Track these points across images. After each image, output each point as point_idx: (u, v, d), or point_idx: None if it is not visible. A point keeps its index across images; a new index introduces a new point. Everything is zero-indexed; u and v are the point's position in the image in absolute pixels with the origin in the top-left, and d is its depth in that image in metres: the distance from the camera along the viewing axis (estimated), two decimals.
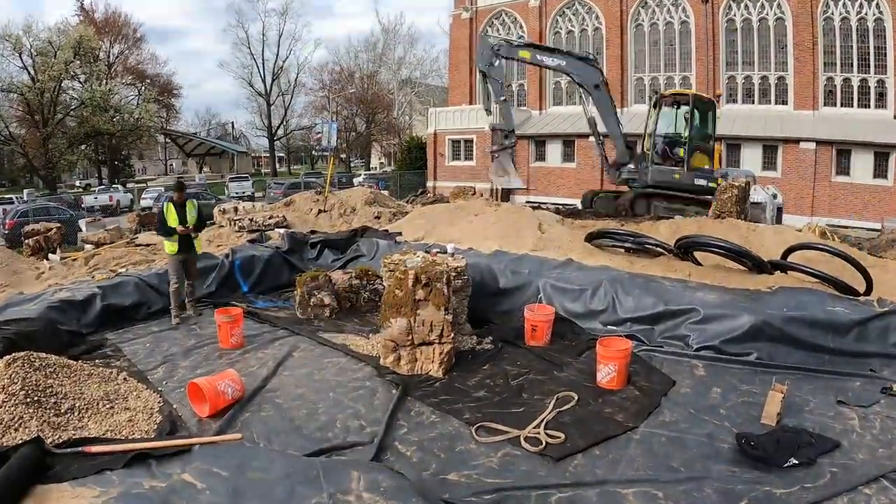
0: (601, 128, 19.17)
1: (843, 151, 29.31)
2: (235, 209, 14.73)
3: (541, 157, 36.41)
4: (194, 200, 8.88)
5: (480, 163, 37.10)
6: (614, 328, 7.55)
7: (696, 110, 18.29)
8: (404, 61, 67.18)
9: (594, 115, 19.11)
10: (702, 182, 18.13)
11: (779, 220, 20.08)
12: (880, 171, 28.77)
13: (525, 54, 17.61)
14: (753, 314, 6.80)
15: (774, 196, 20.44)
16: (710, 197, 17.59)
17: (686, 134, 18.23)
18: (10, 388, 5.03)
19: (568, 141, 35.30)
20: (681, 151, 18.22)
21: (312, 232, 12.70)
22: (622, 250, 9.82)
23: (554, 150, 36.03)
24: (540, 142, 36.42)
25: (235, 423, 5.28)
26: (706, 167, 18.50)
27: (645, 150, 18.89)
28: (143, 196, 39.28)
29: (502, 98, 17.02)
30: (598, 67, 18.75)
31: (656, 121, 18.60)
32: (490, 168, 17.87)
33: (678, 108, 18.78)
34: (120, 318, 8.36)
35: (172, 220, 8.37)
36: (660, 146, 18.47)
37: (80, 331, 7.75)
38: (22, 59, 49.48)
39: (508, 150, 17.34)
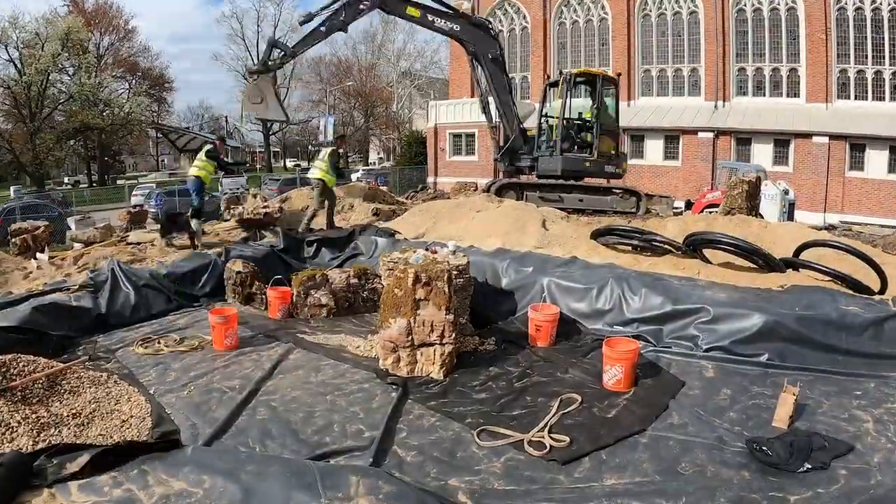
0: (493, 108, 18.17)
1: (856, 146, 29.36)
2: (237, 199, 14.75)
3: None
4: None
5: (483, 158, 37.12)
6: (621, 328, 7.55)
7: (604, 91, 17.79)
8: (404, 53, 67.24)
9: (488, 94, 18.03)
10: (611, 169, 17.78)
11: (791, 217, 20.12)
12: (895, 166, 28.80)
13: (414, 12, 15.91)
14: (764, 314, 6.79)
15: (786, 192, 20.51)
16: (617, 187, 17.34)
17: (593, 117, 17.66)
18: None
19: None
20: (588, 136, 17.61)
21: (309, 230, 12.69)
22: (629, 248, 9.81)
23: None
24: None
25: (230, 427, 5.29)
26: (612, 153, 18.02)
27: (553, 135, 17.82)
28: (133, 193, 39.27)
29: (322, 28, 14.86)
30: (495, 37, 17.74)
31: (565, 103, 17.65)
32: (244, 92, 15.50)
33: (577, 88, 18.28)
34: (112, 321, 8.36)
35: None
36: (565, 130, 17.58)
37: (69, 333, 7.74)
38: (8, 52, 49.50)
39: (271, 74, 15.12)
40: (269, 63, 14.69)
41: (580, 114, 18.46)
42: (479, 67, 17.53)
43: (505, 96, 17.84)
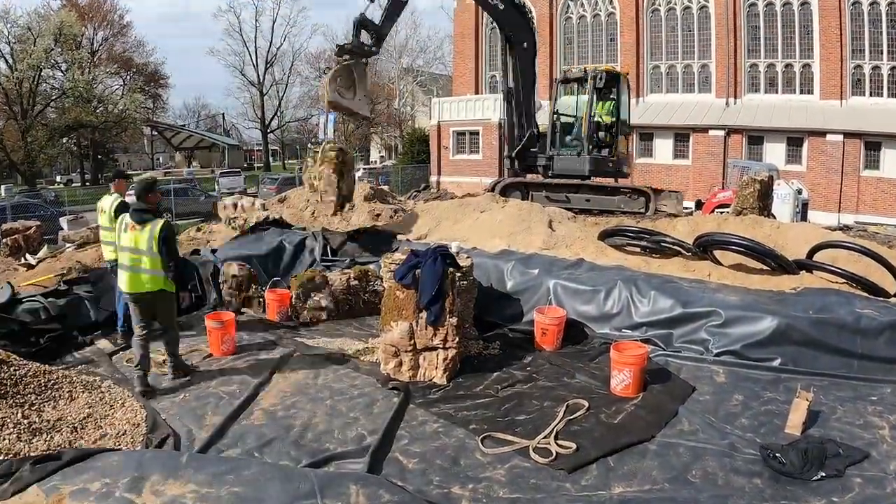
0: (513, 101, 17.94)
1: (872, 144, 29.24)
2: (235, 206, 14.67)
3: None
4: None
5: (487, 156, 37.06)
6: (629, 332, 7.53)
7: (623, 91, 17.77)
8: (406, 48, 67.09)
9: (511, 86, 17.74)
10: (626, 169, 17.90)
11: (804, 217, 20.08)
12: None
13: None
14: (777, 317, 6.78)
15: (799, 191, 20.49)
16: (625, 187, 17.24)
17: (613, 117, 17.63)
18: None
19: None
20: (607, 136, 17.61)
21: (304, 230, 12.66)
22: (637, 249, 9.80)
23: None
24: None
25: (226, 434, 5.29)
26: (625, 152, 18.07)
27: (572, 134, 17.79)
28: (127, 192, 39.23)
29: None
30: (531, 29, 17.83)
31: (591, 102, 17.41)
32: (329, 74, 12.98)
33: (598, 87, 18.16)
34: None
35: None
36: (593, 130, 17.47)
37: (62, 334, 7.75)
38: None
39: (364, 62, 13.65)
40: (366, 47, 13.33)
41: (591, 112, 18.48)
42: (510, 53, 17.49)
43: (527, 90, 17.84)
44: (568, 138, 17.88)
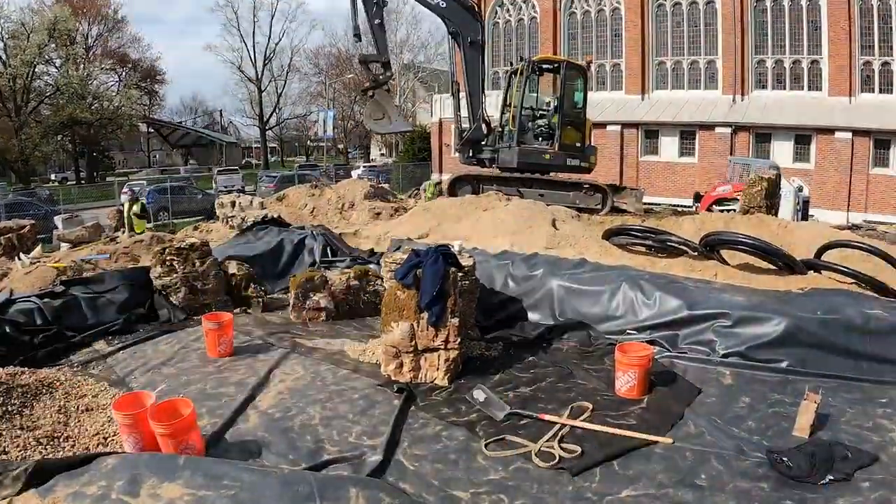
0: (462, 95, 18.15)
1: (881, 141, 29.26)
2: (233, 203, 14.68)
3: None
4: None
5: None
6: (634, 333, 7.52)
7: (569, 80, 17.66)
8: (406, 44, 67.15)
9: (459, 80, 18.12)
10: (575, 163, 17.67)
11: (805, 215, 20.08)
12: None
13: None
14: (785, 318, 6.77)
15: (800, 189, 20.50)
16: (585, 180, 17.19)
17: (554, 107, 17.60)
18: None
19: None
20: (569, 128, 17.58)
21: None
22: (642, 248, 9.81)
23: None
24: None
25: (223, 436, 5.29)
26: (577, 145, 17.86)
27: (510, 126, 17.69)
28: (123, 190, 39.23)
29: (377, 21, 15.95)
30: (481, 21, 17.91)
31: (524, 92, 17.58)
32: (364, 111, 16.38)
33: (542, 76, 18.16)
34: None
35: None
36: (522, 121, 17.54)
37: (59, 335, 7.76)
38: None
39: (385, 87, 16.30)
40: (380, 77, 15.86)
41: (548, 103, 18.43)
42: (457, 49, 17.62)
43: (475, 84, 17.75)
44: (534, 129, 17.88)
